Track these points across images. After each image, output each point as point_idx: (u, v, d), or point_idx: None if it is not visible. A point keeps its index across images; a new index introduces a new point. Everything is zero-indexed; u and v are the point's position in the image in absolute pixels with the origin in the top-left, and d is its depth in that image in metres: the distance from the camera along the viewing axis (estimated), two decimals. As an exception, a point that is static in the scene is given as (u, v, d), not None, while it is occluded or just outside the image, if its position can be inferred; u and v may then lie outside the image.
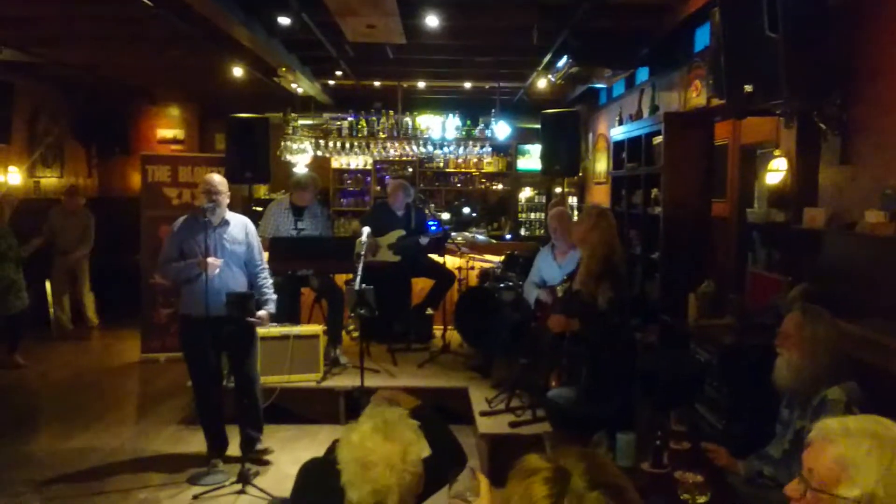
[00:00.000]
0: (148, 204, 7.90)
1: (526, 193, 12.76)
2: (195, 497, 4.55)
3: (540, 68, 8.57)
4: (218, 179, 4.85)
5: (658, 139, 6.48)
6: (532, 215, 12.54)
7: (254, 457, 4.96)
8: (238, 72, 8.78)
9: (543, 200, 12.25)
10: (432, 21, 6.42)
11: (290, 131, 9.79)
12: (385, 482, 1.92)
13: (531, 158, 12.28)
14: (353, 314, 5.17)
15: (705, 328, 4.82)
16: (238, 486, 4.62)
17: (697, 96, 6.56)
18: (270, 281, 5.10)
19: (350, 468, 1.96)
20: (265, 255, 5.31)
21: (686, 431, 3.42)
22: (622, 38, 7.28)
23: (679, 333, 5.20)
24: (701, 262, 5.90)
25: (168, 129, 12.12)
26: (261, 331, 5.45)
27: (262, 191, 11.34)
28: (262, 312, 4.88)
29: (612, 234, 4.28)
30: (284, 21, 6.39)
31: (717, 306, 5.09)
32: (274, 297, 5.06)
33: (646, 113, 7.47)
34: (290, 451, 5.21)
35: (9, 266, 7.31)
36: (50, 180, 10.37)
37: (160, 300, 7.73)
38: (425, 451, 2.00)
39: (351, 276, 5.84)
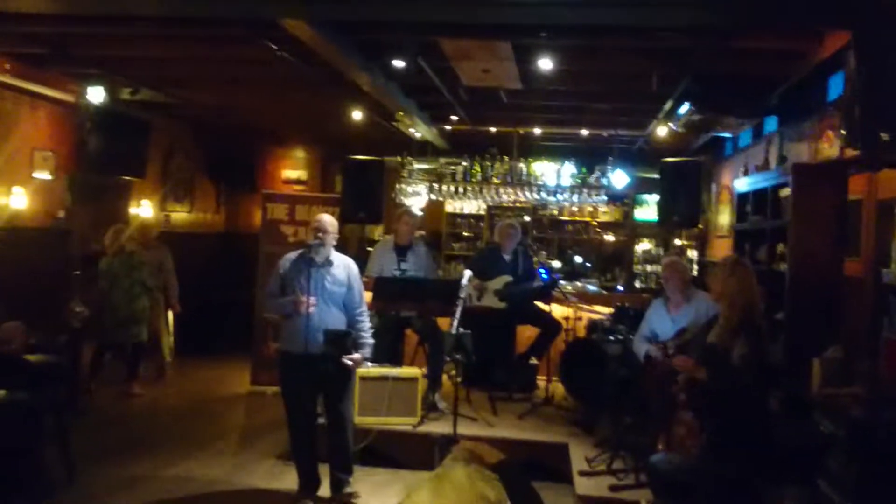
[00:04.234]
0: (266, 240, 8.18)
1: (643, 246, 12.37)
2: (282, 536, 4.52)
3: (660, 116, 8.31)
4: (328, 220, 4.90)
5: (785, 191, 6.10)
6: (648, 267, 12.10)
7: (342, 499, 4.89)
8: (358, 115, 9.01)
9: (661, 252, 11.81)
10: (547, 65, 6.33)
11: (406, 174, 9.92)
12: None
13: (649, 209, 11.91)
14: (449, 359, 5.06)
15: (831, 397, 4.40)
16: (325, 529, 4.56)
17: (830, 147, 6.13)
18: (369, 324, 5.06)
19: None
20: (369, 294, 5.30)
21: (803, 512, 3.07)
22: (749, 84, 6.92)
23: (802, 401, 4.77)
24: (830, 324, 5.44)
25: (293, 170, 12.60)
26: (360, 371, 5.44)
27: (376, 232, 11.51)
28: (356, 355, 4.84)
29: (750, 284, 4.01)
30: (400, 65, 6.48)
31: (846, 374, 4.64)
32: (371, 341, 5.03)
33: (773, 164, 7.09)
34: (381, 496, 5.10)
35: (143, 298, 7.65)
36: (180, 215, 10.94)
37: (271, 334, 7.88)
38: None
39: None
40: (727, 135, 9.30)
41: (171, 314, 8.66)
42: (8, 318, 4.98)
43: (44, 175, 7.96)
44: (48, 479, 4.96)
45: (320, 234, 4.79)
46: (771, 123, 7.89)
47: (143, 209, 9.73)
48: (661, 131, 8.96)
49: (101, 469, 5.49)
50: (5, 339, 4.82)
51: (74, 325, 6.77)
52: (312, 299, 4.67)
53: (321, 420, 5.11)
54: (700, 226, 9.71)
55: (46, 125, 8.10)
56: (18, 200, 7.42)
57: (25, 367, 4.94)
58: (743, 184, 7.45)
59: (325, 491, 4.97)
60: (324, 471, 4.99)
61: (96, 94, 7.65)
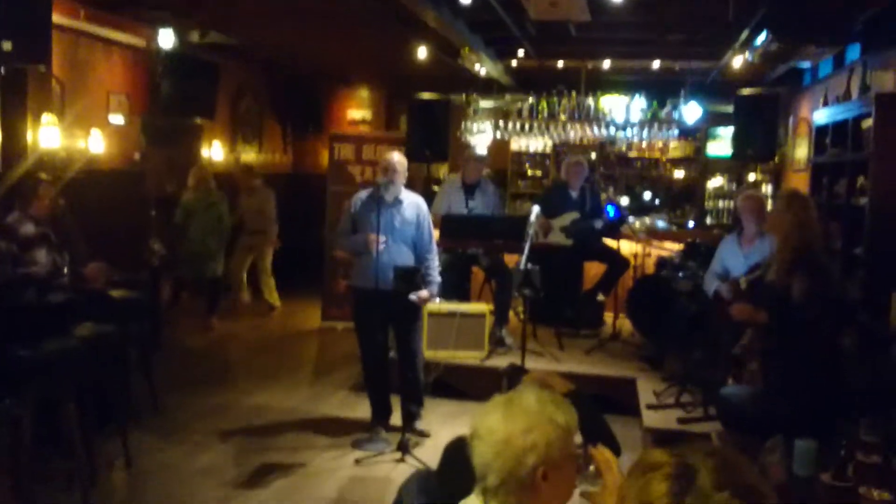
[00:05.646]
0: (333, 180, 8.30)
1: (715, 182, 12.03)
2: (357, 461, 4.72)
3: (736, 46, 7.98)
4: (397, 158, 4.93)
5: (867, 123, 5.84)
6: (720, 203, 11.78)
7: (413, 433, 5.05)
8: (423, 53, 8.91)
9: (734, 188, 11.47)
10: (617, -5, 6.15)
11: (472, 112, 9.83)
12: (483, 459, 1.81)
13: (722, 143, 11.53)
14: (518, 294, 5.10)
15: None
16: (397, 455, 4.73)
17: (918, 74, 5.81)
18: (437, 263, 5.14)
19: (469, 436, 1.89)
20: (436, 232, 5.35)
21: (878, 443, 3.03)
22: (831, 10, 6.59)
23: (879, 337, 4.66)
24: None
25: (358, 109, 12.62)
26: (429, 306, 5.53)
27: (442, 171, 11.49)
28: (424, 291, 4.93)
29: (807, 219, 3.87)
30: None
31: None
32: (438, 279, 5.11)
33: (855, 94, 6.77)
34: (450, 427, 5.24)
35: (212, 238, 7.86)
36: (249, 156, 11.13)
37: (341, 271, 8.03)
38: (540, 439, 1.82)
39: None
40: (806, 65, 8.90)
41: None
42: (90, 257, 5.19)
43: (118, 119, 8.17)
44: (134, 409, 5.23)
45: (390, 173, 4.84)
46: (854, 52, 7.50)
47: (214, 151, 9.92)
48: (737, 62, 8.61)
49: (184, 399, 5.78)
50: (91, 279, 5.05)
51: (153, 262, 7.04)
52: (382, 238, 4.75)
53: (392, 354, 5.26)
54: (776, 160, 9.41)
55: (120, 70, 8.27)
56: (96, 144, 7.65)
57: (110, 303, 5.18)
58: (822, 115, 7.16)
59: (395, 419, 5.13)
60: (395, 401, 5.15)
61: (167, 38, 7.76)
